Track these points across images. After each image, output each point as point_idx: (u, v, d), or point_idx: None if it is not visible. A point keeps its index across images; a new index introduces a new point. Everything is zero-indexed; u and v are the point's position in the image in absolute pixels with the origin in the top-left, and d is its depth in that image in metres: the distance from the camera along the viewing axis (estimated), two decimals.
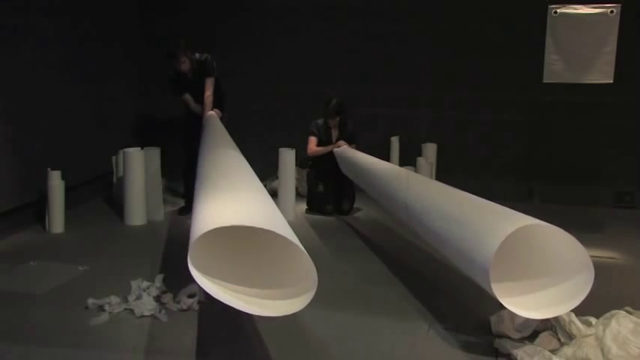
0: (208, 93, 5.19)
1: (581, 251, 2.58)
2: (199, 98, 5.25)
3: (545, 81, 5.06)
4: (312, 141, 5.69)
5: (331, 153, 5.62)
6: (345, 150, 5.50)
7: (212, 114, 5.15)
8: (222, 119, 5.14)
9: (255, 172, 7.03)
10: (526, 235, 2.77)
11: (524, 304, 2.64)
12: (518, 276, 2.81)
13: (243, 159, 3.51)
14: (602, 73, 4.90)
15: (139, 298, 3.34)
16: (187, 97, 5.30)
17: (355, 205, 5.78)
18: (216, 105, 5.29)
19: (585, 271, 2.57)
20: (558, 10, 4.93)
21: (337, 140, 5.65)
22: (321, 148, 5.66)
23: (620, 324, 2.65)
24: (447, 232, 3.08)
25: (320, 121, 5.69)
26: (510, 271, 2.80)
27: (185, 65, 5.11)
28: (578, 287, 2.58)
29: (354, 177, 5.28)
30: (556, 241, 2.70)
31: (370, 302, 3.47)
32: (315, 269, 2.12)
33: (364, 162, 4.95)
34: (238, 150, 3.79)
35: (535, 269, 2.81)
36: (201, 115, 5.19)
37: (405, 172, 4.19)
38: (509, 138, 6.42)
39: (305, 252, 2.13)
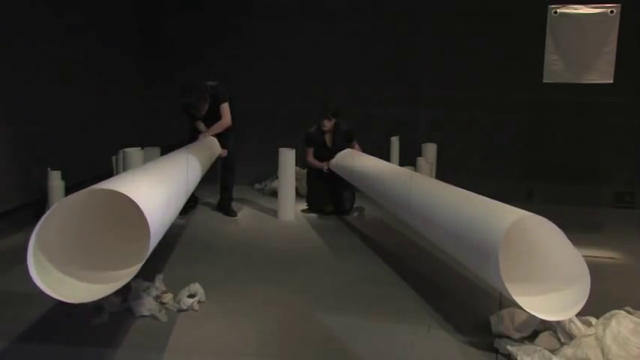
0: (228, 118, 5.26)
1: (578, 257, 2.56)
2: (217, 121, 5.35)
3: (545, 81, 5.06)
4: (309, 152, 5.74)
5: (330, 157, 5.62)
6: (338, 161, 5.49)
7: (219, 149, 5.31)
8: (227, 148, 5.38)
9: (255, 172, 6.97)
10: (526, 239, 2.75)
11: (531, 302, 2.59)
12: (523, 276, 2.79)
13: (196, 162, 3.55)
14: (602, 73, 4.90)
15: (138, 298, 3.34)
16: (199, 124, 5.36)
17: (355, 205, 5.78)
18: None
19: (582, 277, 2.53)
20: (558, 10, 4.93)
21: (332, 144, 5.67)
22: (316, 163, 5.70)
23: (620, 324, 2.65)
24: (453, 226, 3.05)
25: (312, 129, 5.70)
26: (516, 271, 2.77)
27: (204, 111, 5.15)
28: (577, 293, 2.55)
29: (356, 183, 5.23)
30: (554, 245, 2.67)
31: (370, 302, 3.47)
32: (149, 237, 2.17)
33: (362, 165, 4.93)
34: (200, 161, 3.89)
35: (537, 271, 2.79)
36: (216, 134, 5.33)
37: (408, 172, 4.19)
38: (509, 138, 6.42)
39: (144, 214, 2.17)
